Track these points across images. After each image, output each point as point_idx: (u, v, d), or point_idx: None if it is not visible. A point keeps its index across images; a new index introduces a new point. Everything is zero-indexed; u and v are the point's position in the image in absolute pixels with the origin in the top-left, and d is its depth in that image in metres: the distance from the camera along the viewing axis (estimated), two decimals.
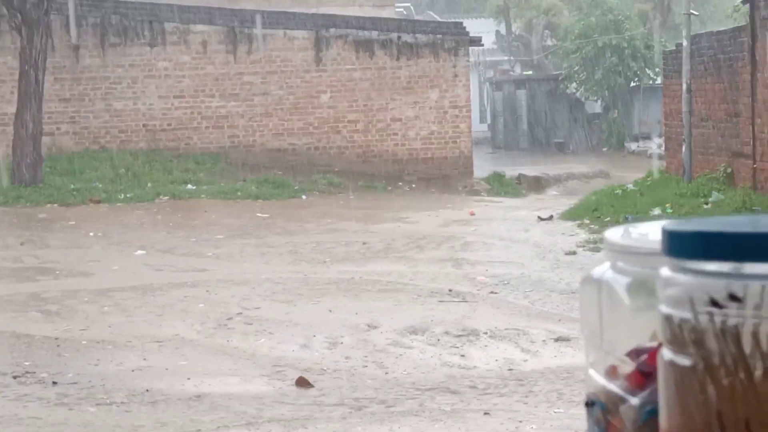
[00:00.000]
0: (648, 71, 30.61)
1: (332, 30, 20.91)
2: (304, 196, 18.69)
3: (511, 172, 22.70)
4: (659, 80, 27.09)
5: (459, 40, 21.26)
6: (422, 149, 21.25)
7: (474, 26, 29.70)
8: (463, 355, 7.72)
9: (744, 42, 15.17)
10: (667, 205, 15.17)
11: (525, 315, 8.86)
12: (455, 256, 12.19)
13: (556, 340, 7.99)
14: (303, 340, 8.11)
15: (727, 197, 14.58)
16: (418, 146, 21.24)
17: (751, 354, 0.66)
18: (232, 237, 13.82)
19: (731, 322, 0.66)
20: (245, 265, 11.62)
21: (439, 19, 31.19)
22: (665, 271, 0.71)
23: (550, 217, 15.81)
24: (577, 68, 31.19)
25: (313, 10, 22.74)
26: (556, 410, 6.23)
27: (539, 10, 33.57)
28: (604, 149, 30.98)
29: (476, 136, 29.03)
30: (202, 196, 17.91)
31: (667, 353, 0.71)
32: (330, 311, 9.16)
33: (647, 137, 30.01)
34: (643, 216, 14.64)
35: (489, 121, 35.98)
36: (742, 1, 19.88)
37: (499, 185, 21.05)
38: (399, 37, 21.03)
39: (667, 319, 0.70)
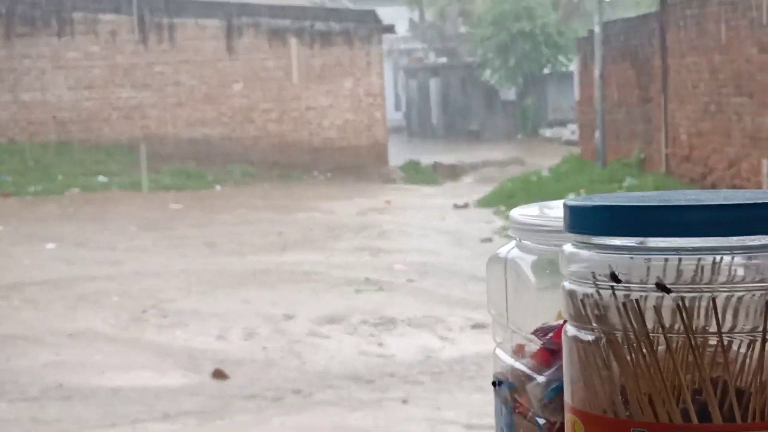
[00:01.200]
0: (561, 58, 30.89)
1: (244, 18, 20.76)
2: (218, 187, 18.56)
3: (426, 160, 22.76)
4: (572, 67, 27.37)
5: (372, 28, 21.25)
6: (337, 138, 21.21)
7: (387, 14, 29.70)
8: (380, 344, 7.72)
9: (655, 28, 15.37)
10: (582, 190, 15.34)
11: (442, 303, 8.89)
12: (372, 244, 12.20)
13: (473, 327, 8.04)
14: (219, 332, 8.05)
15: (641, 182, 14.78)
16: (333, 135, 21.19)
17: (654, 329, 0.65)
18: (146, 229, 13.67)
19: (633, 296, 0.65)
20: (159, 258, 11.50)
21: (352, 8, 31.14)
22: (568, 247, 0.69)
23: (466, 205, 15.89)
24: (490, 55, 31.37)
25: None
26: (473, 396, 6.26)
27: None
28: (519, 136, 31.21)
29: (391, 125, 29.08)
30: (114, 188, 17.69)
31: (570, 329, 0.69)
32: (246, 302, 9.11)
33: (562, 124, 30.31)
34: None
35: (404, 110, 36.04)
36: None
37: (414, 173, 21.09)
38: (312, 26, 20.95)
39: (570, 294, 0.69)
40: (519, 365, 0.86)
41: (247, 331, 8.11)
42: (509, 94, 32.68)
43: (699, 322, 0.65)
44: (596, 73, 17.04)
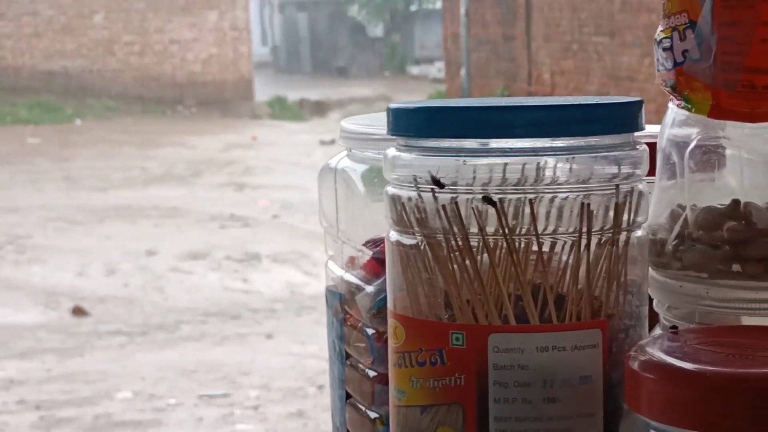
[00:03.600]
0: None
1: None
2: (78, 121, 18.16)
3: (293, 96, 22.62)
4: (439, 4, 27.42)
5: None
6: (202, 73, 20.89)
7: None
8: (245, 280, 7.71)
9: None
10: None
11: (307, 238, 8.89)
12: (236, 180, 12.13)
13: None
14: (79, 268, 7.93)
15: None
16: (197, 69, 20.87)
17: (475, 232, 0.65)
18: (1, 163, 13.32)
19: (449, 198, 0.65)
20: (16, 192, 11.23)
21: None
22: (391, 151, 0.69)
23: (332, 141, 15.86)
24: None
25: None
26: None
27: None
28: (386, 73, 31.20)
29: (258, 60, 28.78)
30: None
31: (393, 234, 0.69)
32: (107, 238, 8.97)
33: (429, 61, 30.39)
34: None
35: (271, 45, 35.67)
36: None
37: (281, 109, 20.96)
38: None
39: (393, 199, 0.68)
40: (349, 276, 0.86)
41: (108, 267, 8.00)
42: (377, 30, 32.60)
43: (521, 224, 0.65)
44: (462, 10, 17.11)
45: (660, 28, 0.71)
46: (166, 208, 10.34)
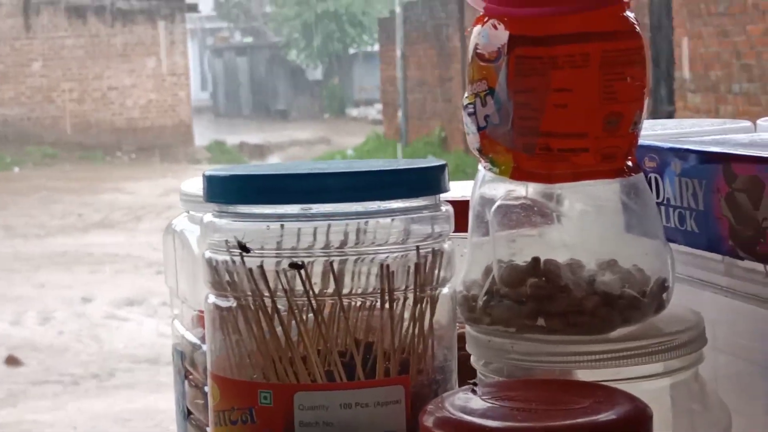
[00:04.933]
0: (366, 38, 31.08)
1: None
2: (16, 169, 18.03)
3: (233, 140, 22.61)
4: (377, 46, 27.60)
5: (174, 6, 20.94)
6: (141, 118, 20.84)
7: None
8: None
9: (454, 9, 15.65)
10: None
11: None
12: None
13: None
14: (13, 317, 7.85)
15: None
16: (136, 115, 20.81)
17: (275, 294, 0.68)
18: None
19: (257, 263, 0.68)
20: None
21: None
22: (207, 217, 0.71)
23: None
24: (296, 35, 31.33)
25: None
26: None
27: None
28: (326, 116, 31.27)
29: (198, 105, 28.75)
30: None
31: (210, 296, 0.72)
32: (42, 286, 8.91)
33: (368, 103, 30.53)
34: None
35: (211, 89, 35.66)
36: None
37: (220, 153, 20.93)
38: (113, 4, 20.51)
39: (209, 262, 0.71)
40: (190, 335, 0.88)
41: (42, 315, 7.94)
42: (315, 73, 32.71)
43: (328, 286, 0.68)
44: (398, 52, 17.24)
45: (465, 94, 0.74)
46: (103, 255, 10.28)
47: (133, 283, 8.96)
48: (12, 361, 6.79)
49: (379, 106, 26.00)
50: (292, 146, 22.88)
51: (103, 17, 20.45)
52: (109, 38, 20.53)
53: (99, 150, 20.13)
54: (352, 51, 31.60)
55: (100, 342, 7.28)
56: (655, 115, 10.63)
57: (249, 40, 34.44)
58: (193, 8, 21.84)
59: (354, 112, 30.51)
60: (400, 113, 17.43)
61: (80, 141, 20.21)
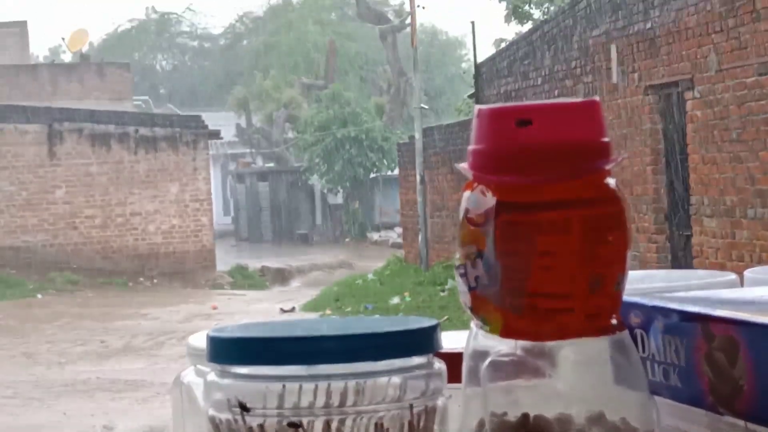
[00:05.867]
0: (386, 162, 31.42)
1: (66, 123, 20.53)
2: (39, 296, 18.14)
3: (254, 264, 22.74)
4: (396, 171, 27.87)
5: (198, 133, 21.27)
6: (163, 243, 21.01)
7: (215, 119, 29.77)
8: None
9: (471, 134, 15.82)
10: (406, 293, 15.55)
11: None
12: None
13: None
14: None
15: None
16: (159, 240, 20.99)
17: None
18: None
19: (258, 422, 0.71)
20: None
21: (179, 113, 31.13)
22: (211, 376, 0.75)
23: (293, 309, 15.93)
24: (317, 160, 31.71)
25: (47, 104, 22.29)
26: None
27: (279, 104, 34.02)
28: (347, 240, 31.46)
29: (220, 229, 28.96)
30: None
31: None
32: (63, 414, 8.89)
33: (389, 227, 30.71)
34: (382, 305, 14.96)
35: (233, 214, 35.97)
36: (468, 96, 20.77)
37: (242, 278, 21.04)
38: (137, 131, 20.85)
39: (211, 420, 0.74)
40: None
41: None
42: (337, 198, 33.02)
43: None
44: (417, 177, 17.41)
45: (457, 255, 0.78)
46: (125, 382, 10.28)
47: (153, 411, 8.93)
48: None
49: (399, 230, 26.16)
50: (314, 270, 22.98)
51: (126, 144, 20.78)
52: (133, 165, 20.84)
53: (121, 275, 20.26)
54: (372, 175, 31.92)
55: None
56: (672, 240, 10.66)
57: (271, 165, 34.87)
58: (216, 135, 22.18)
59: (375, 235, 30.68)
60: (420, 237, 17.52)
61: (103, 267, 20.37)
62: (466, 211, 0.78)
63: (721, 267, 9.10)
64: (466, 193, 0.78)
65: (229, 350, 0.73)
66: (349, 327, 0.77)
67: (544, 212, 0.74)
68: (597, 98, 0.77)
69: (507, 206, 0.75)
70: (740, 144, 8.94)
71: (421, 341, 0.75)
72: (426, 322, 0.76)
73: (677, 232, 10.58)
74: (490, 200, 0.76)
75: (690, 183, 9.85)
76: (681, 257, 10.35)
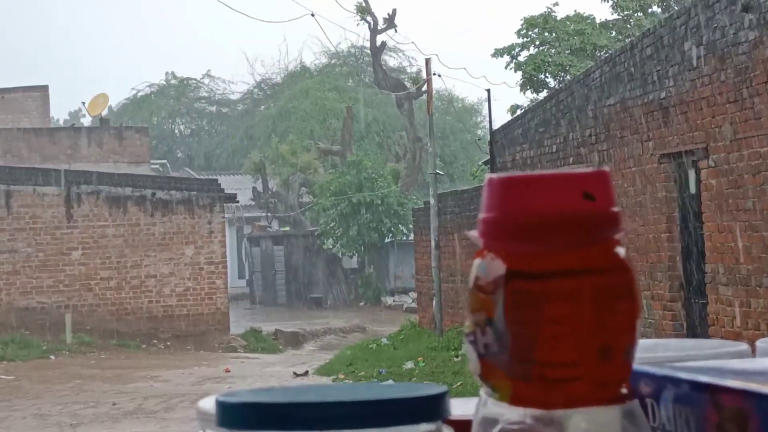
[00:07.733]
0: (401, 227, 31.48)
1: (84, 186, 20.66)
2: (52, 357, 18.13)
3: (268, 327, 22.71)
4: (411, 236, 27.90)
5: (214, 196, 21.38)
6: (178, 306, 21.03)
7: (231, 183, 29.94)
8: None
9: (481, 202, 15.86)
10: (420, 358, 15.49)
11: None
12: None
13: None
14: None
15: None
16: (173, 303, 21.01)
17: None
18: None
19: None
20: None
21: (196, 176, 31.30)
22: None
23: (306, 373, 15.88)
24: (332, 224, 31.79)
25: (65, 167, 22.46)
26: None
27: (295, 168, 34.18)
28: (362, 303, 31.44)
29: (234, 292, 28.98)
30: None
31: None
32: None
33: (403, 291, 30.69)
34: (396, 369, 14.90)
35: (247, 277, 36.00)
36: (483, 162, 20.86)
37: (255, 341, 21.01)
38: (153, 194, 20.97)
39: None
40: None
41: None
42: (351, 262, 33.04)
43: None
44: (432, 242, 17.42)
45: (467, 322, 0.79)
46: None
47: None
48: None
49: (414, 294, 26.13)
50: (327, 334, 22.94)
51: (143, 207, 20.89)
52: (149, 227, 20.92)
53: (135, 337, 20.26)
54: (387, 240, 31.95)
55: None
56: (687, 308, 10.61)
57: (286, 228, 34.96)
58: (232, 198, 22.28)
59: (389, 300, 30.64)
60: (434, 302, 17.49)
61: (116, 329, 20.37)
62: (476, 278, 0.78)
63: (737, 335, 9.06)
64: (477, 261, 0.79)
65: (238, 415, 0.74)
66: (358, 393, 0.77)
67: (554, 281, 0.75)
68: (607, 168, 0.78)
69: (516, 274, 0.76)
70: (755, 213, 8.93)
71: (430, 408, 0.75)
72: (435, 389, 0.76)
73: (692, 300, 10.55)
74: (499, 268, 0.76)
75: (705, 251, 9.83)
76: (696, 325, 10.30)
